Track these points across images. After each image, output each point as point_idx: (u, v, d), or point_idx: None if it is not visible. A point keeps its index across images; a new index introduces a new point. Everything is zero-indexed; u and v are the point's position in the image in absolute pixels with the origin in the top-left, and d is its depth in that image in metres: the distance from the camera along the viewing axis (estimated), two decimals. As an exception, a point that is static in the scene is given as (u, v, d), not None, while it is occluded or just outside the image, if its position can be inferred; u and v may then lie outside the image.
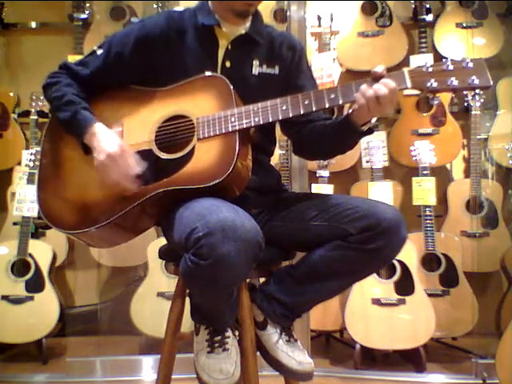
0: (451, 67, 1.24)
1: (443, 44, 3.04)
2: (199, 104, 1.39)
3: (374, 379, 2.48)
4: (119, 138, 1.40)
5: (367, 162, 2.75)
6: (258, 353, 1.43)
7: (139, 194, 1.34)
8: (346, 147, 1.51)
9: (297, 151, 1.66)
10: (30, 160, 2.73)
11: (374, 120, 1.37)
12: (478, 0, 3.05)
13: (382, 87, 1.27)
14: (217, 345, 1.36)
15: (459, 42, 3.03)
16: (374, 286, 2.55)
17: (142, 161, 1.38)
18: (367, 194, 2.67)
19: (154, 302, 2.67)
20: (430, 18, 3.02)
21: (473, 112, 2.91)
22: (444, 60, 1.26)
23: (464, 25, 3.04)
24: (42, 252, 2.75)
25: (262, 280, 1.54)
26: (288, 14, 2.63)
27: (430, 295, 2.60)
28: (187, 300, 1.45)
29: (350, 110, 1.37)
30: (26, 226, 2.72)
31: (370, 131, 1.41)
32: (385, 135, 2.80)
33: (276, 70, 1.53)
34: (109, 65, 1.48)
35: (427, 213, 2.69)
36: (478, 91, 2.84)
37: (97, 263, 2.97)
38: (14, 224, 2.81)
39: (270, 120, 1.33)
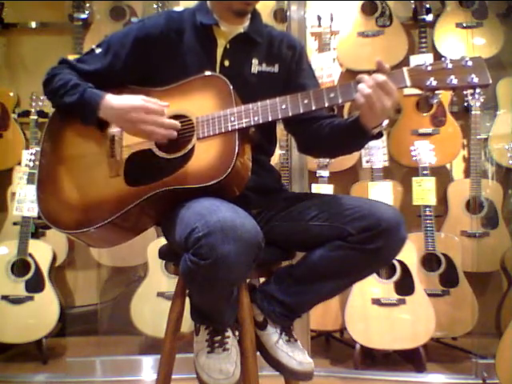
0: (450, 66, 1.24)
1: (443, 44, 3.03)
2: (199, 104, 1.38)
3: (374, 379, 2.47)
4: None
5: (367, 161, 2.75)
6: (258, 353, 1.43)
7: (139, 194, 1.34)
8: (354, 148, 1.53)
9: (302, 149, 1.66)
10: (30, 160, 2.73)
11: (384, 124, 1.35)
12: (477, 0, 3.05)
13: (380, 75, 1.25)
14: (217, 345, 1.36)
15: (459, 41, 3.02)
16: (374, 285, 2.55)
17: (142, 161, 1.38)
18: (367, 194, 2.67)
19: (154, 302, 2.67)
20: (429, 17, 3.01)
21: (473, 112, 2.91)
22: (443, 59, 1.26)
23: (464, 25, 3.03)
24: (42, 252, 2.75)
25: (262, 280, 1.54)
26: (288, 13, 2.63)
27: (430, 295, 2.59)
28: (187, 300, 1.45)
29: (357, 114, 1.35)
30: (26, 226, 2.72)
31: (381, 135, 1.39)
32: (385, 135, 2.79)
33: (276, 69, 1.53)
34: (107, 64, 1.48)
35: (427, 213, 2.69)
36: (477, 90, 2.83)
37: (97, 263, 2.96)
38: (14, 224, 2.81)
39: (270, 119, 1.33)
